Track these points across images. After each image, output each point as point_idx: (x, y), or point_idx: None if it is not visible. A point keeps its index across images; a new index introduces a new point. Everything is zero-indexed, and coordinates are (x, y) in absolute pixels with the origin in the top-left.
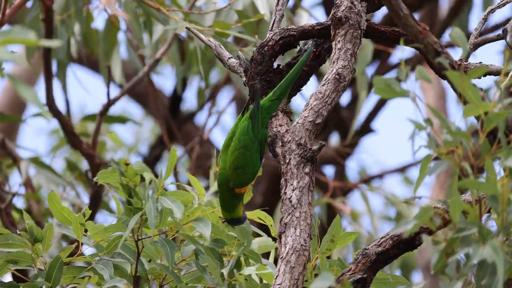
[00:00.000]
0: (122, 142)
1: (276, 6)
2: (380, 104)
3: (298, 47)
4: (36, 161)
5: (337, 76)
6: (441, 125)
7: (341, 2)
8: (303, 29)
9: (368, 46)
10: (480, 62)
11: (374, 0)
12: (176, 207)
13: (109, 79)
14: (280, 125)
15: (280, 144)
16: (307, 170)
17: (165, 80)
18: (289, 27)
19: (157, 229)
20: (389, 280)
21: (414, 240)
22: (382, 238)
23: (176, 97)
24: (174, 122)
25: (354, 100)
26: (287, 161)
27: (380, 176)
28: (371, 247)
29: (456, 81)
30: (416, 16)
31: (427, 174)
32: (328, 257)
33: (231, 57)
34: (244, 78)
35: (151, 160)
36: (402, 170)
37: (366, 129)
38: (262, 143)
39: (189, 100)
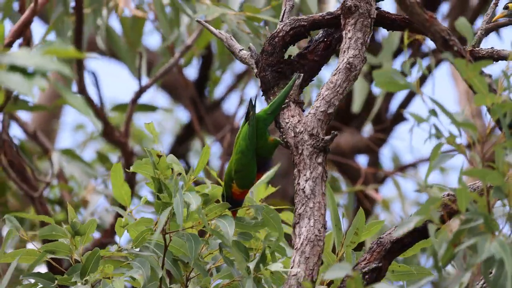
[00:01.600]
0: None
1: None
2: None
3: (309, 37)
4: (67, 152)
5: (348, 65)
6: (447, 116)
7: None
8: (313, 19)
9: (396, 34)
10: (492, 48)
11: None
12: (194, 201)
13: (139, 67)
14: (292, 116)
15: (293, 134)
16: (320, 160)
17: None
18: (300, 18)
19: (184, 224)
20: (413, 272)
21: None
22: (397, 226)
23: (202, 86)
24: (203, 109)
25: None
26: (300, 151)
27: (414, 165)
28: (386, 235)
29: (463, 70)
30: (447, 4)
31: (437, 164)
32: (359, 248)
33: (242, 49)
34: (256, 70)
35: (180, 149)
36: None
37: (399, 117)
38: (265, 151)
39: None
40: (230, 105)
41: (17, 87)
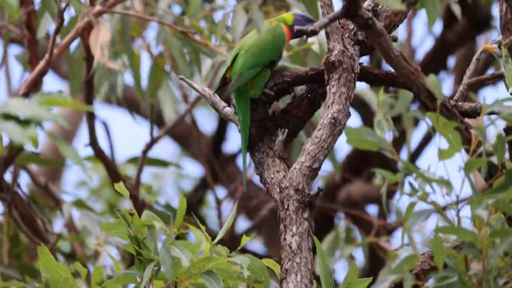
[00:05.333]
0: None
1: None
2: (425, 141)
3: (293, 93)
4: (78, 204)
5: (332, 120)
6: (417, 175)
7: (334, 47)
8: (297, 75)
9: None
10: (475, 103)
11: (366, 43)
12: (184, 256)
13: (152, 118)
14: (278, 171)
15: (278, 190)
16: (306, 215)
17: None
18: (283, 73)
19: (169, 280)
20: None
21: None
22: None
23: (219, 137)
24: (217, 163)
25: (401, 136)
26: (286, 207)
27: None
28: None
29: (435, 124)
30: (454, 56)
31: (412, 223)
32: None
33: (226, 106)
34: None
35: (195, 202)
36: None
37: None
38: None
39: (232, 140)
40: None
41: (12, 135)
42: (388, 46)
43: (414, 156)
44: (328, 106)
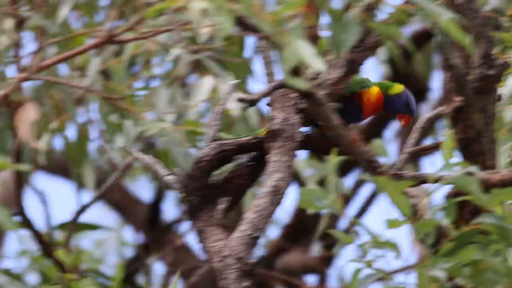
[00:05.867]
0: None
1: (211, 120)
2: (366, 206)
3: (235, 161)
4: (7, 273)
5: (273, 188)
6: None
7: (276, 115)
8: (239, 143)
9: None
10: (416, 171)
11: (310, 111)
12: None
13: (79, 186)
14: (218, 240)
15: (219, 259)
16: (246, 283)
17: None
18: (225, 142)
19: None
20: None
21: None
22: None
23: (156, 206)
24: (153, 232)
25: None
26: (226, 275)
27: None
28: None
29: (384, 189)
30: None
31: None
32: None
33: (168, 174)
34: (181, 194)
35: (133, 270)
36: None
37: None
38: None
39: (169, 208)
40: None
41: None
42: (328, 115)
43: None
44: (269, 175)
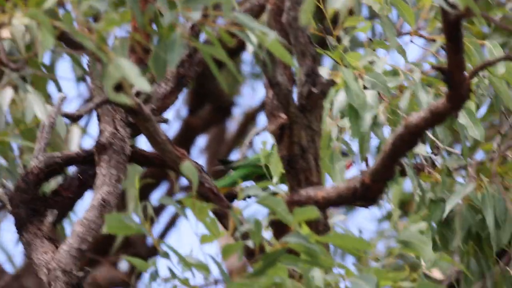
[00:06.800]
0: None
1: (41, 133)
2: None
3: (64, 175)
4: None
5: (102, 202)
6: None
7: (104, 128)
8: (68, 156)
9: None
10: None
11: (138, 126)
12: None
13: None
14: (45, 252)
15: (46, 272)
16: None
17: None
18: (54, 155)
19: None
20: None
21: None
22: None
23: None
24: None
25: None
26: None
27: None
28: None
29: (192, 209)
30: (205, 137)
31: None
32: None
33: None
34: (9, 207)
35: None
36: None
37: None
38: None
39: None
40: None
41: None
42: (155, 130)
43: (161, 236)
44: (98, 188)
